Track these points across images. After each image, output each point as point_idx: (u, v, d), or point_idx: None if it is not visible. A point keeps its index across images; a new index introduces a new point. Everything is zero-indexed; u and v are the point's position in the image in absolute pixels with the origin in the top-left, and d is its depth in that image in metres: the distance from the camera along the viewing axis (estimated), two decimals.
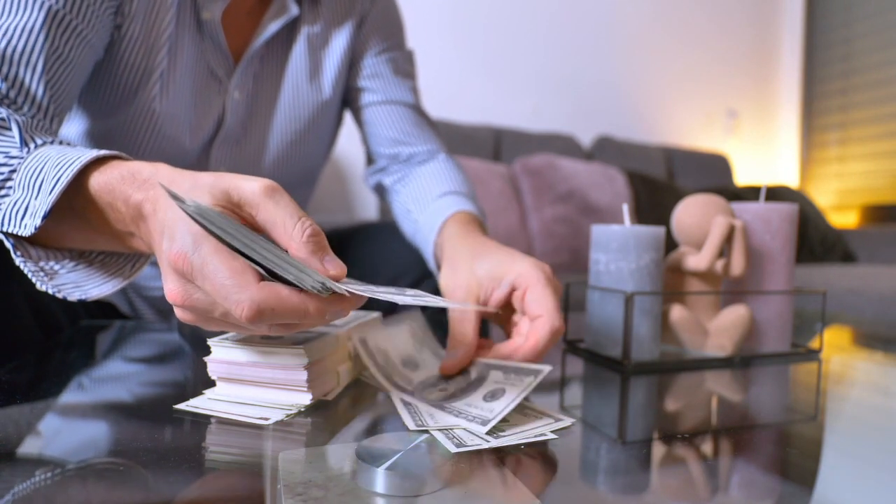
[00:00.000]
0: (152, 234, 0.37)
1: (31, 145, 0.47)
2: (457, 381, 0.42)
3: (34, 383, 0.46)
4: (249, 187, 0.35)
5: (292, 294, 0.32)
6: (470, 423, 0.35)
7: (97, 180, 0.42)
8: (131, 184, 0.40)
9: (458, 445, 0.32)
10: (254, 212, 0.35)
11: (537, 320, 0.46)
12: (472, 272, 0.51)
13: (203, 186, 0.35)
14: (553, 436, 0.35)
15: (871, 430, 0.42)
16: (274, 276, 0.33)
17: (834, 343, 0.76)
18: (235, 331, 0.37)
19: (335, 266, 0.34)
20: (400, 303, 0.33)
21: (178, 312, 0.36)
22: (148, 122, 0.67)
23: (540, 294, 0.46)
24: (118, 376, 0.50)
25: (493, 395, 0.38)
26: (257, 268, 0.32)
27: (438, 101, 2.09)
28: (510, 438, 0.34)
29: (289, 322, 0.33)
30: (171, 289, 0.34)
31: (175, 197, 0.30)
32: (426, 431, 0.35)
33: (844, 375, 0.60)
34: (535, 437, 0.35)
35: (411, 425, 0.36)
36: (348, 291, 0.32)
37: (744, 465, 0.34)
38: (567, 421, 0.37)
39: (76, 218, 0.45)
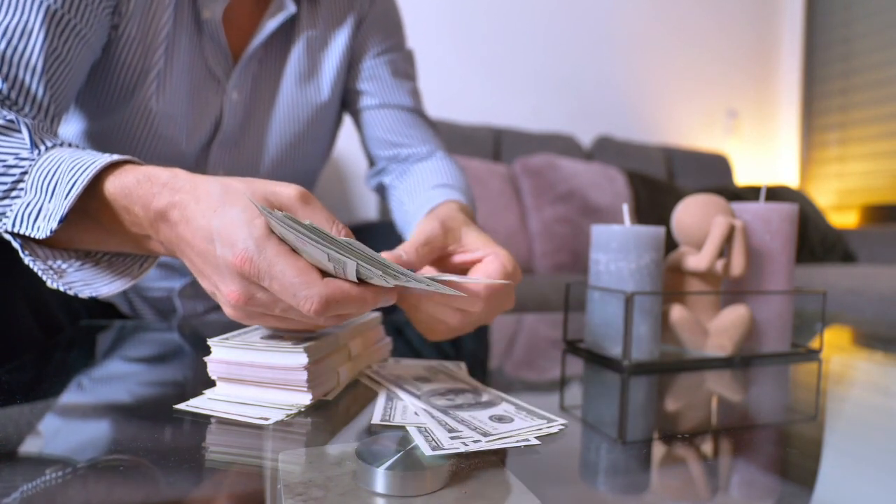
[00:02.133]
0: (187, 240, 0.39)
1: (42, 147, 0.47)
2: (465, 396, 0.42)
3: (34, 383, 0.46)
4: (286, 193, 0.38)
5: (353, 287, 0.35)
6: (472, 431, 0.34)
7: (113, 184, 0.42)
8: (149, 188, 0.41)
9: (434, 448, 0.31)
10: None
11: (485, 259, 0.46)
12: (458, 227, 0.50)
13: (238, 192, 0.37)
14: (536, 441, 0.34)
15: (871, 430, 0.42)
16: (333, 273, 0.36)
17: (834, 343, 0.76)
18: (286, 325, 0.39)
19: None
20: (434, 289, 0.35)
21: (229, 310, 0.38)
22: (145, 123, 0.67)
23: (493, 267, 0.46)
24: (118, 376, 0.50)
25: (499, 419, 0.37)
26: (316, 265, 0.35)
27: (438, 102, 2.09)
28: (491, 444, 0.33)
29: (351, 311, 0.36)
30: (234, 290, 0.36)
31: (261, 208, 0.34)
32: (390, 426, 0.35)
33: (844, 375, 0.60)
34: (517, 442, 0.33)
35: (376, 419, 0.36)
36: (410, 279, 0.35)
37: (744, 465, 0.34)
38: (555, 427, 0.36)
39: (89, 220, 0.45)
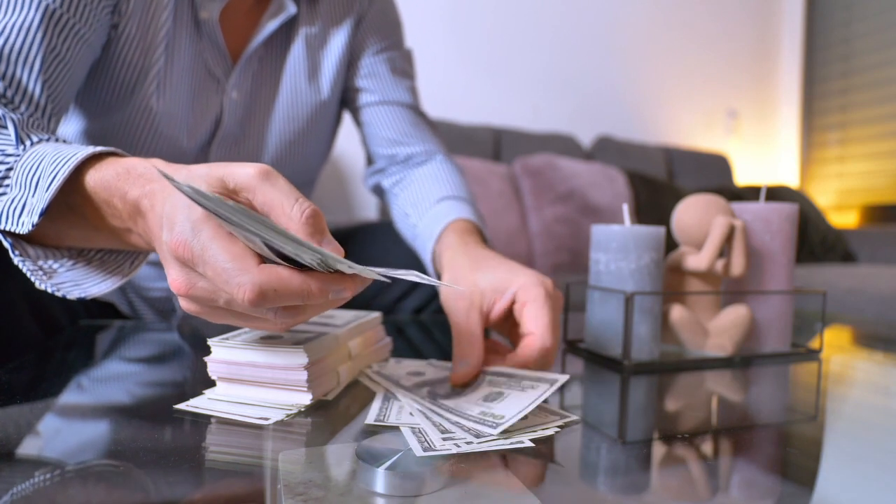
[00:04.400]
0: (152, 229, 0.37)
1: (27, 143, 0.47)
2: (446, 385, 0.42)
3: (34, 383, 0.46)
4: (244, 172, 0.34)
5: (293, 274, 0.31)
6: (478, 425, 0.34)
7: (93, 177, 0.42)
8: (127, 180, 0.40)
9: (426, 449, 0.31)
10: (251, 196, 0.34)
11: (528, 337, 0.46)
12: (474, 283, 0.51)
13: (198, 176, 0.35)
14: (530, 444, 0.33)
15: (871, 430, 0.42)
16: (275, 260, 0.32)
17: (834, 343, 0.76)
18: (240, 322, 0.36)
19: (333, 248, 0.33)
20: (396, 276, 0.32)
21: (183, 303, 0.35)
22: (145, 122, 0.67)
23: (537, 311, 0.46)
24: (118, 376, 0.50)
25: (491, 398, 0.37)
26: (257, 251, 0.32)
27: (438, 102, 2.09)
28: (483, 446, 0.32)
29: (292, 304, 0.32)
30: (175, 278, 0.34)
31: (171, 180, 0.30)
32: (385, 427, 0.35)
33: (844, 375, 0.60)
34: (511, 445, 0.33)
35: (370, 419, 0.36)
36: (349, 266, 0.32)
37: (744, 465, 0.34)
38: (551, 430, 0.36)
39: (73, 215, 0.45)
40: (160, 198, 0.36)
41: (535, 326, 0.46)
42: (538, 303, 0.47)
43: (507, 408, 0.36)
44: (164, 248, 0.34)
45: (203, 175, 0.35)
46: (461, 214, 0.70)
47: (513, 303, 0.49)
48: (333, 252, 0.32)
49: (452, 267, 0.56)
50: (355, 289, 0.34)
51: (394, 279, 0.34)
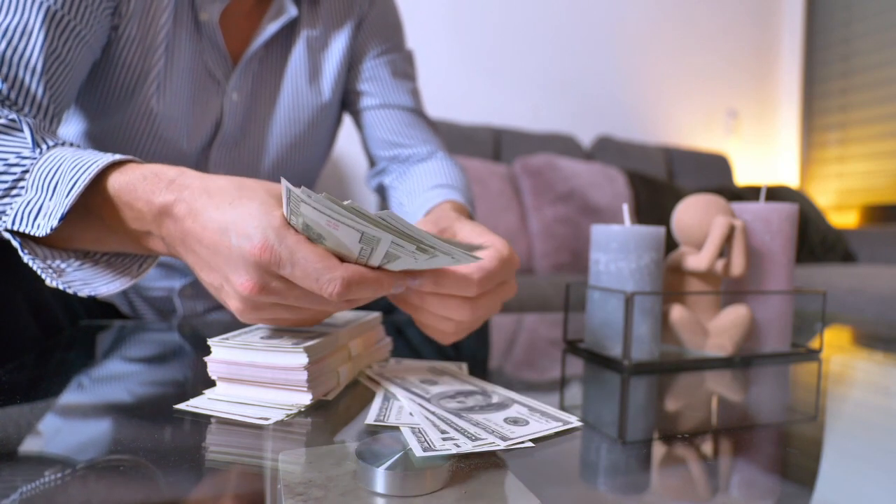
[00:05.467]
0: (194, 234, 0.39)
1: (43, 146, 0.47)
2: (475, 398, 0.42)
3: (34, 383, 0.46)
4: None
5: (370, 271, 0.38)
6: (489, 434, 0.34)
7: (118, 180, 0.43)
8: (156, 184, 0.41)
9: (426, 449, 0.31)
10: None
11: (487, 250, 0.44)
12: (451, 225, 0.50)
13: (253, 188, 0.38)
14: (531, 444, 0.33)
15: (871, 430, 0.42)
16: (351, 260, 0.38)
17: (834, 343, 0.76)
18: (291, 315, 0.40)
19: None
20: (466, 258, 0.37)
21: (237, 303, 0.38)
22: (145, 124, 0.67)
23: (489, 256, 0.44)
24: (118, 376, 0.50)
25: (515, 422, 0.37)
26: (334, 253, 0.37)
27: (439, 102, 2.09)
28: (484, 446, 0.32)
29: (366, 296, 0.38)
30: (248, 280, 0.37)
31: (292, 190, 0.34)
32: (385, 427, 0.35)
33: (844, 375, 0.60)
34: (511, 445, 0.33)
35: (370, 419, 0.36)
36: (447, 248, 0.36)
37: (744, 465, 0.34)
38: (551, 431, 0.36)
39: (90, 216, 0.45)
40: (209, 203, 0.39)
41: (490, 240, 0.45)
42: (496, 253, 0.44)
43: (524, 430, 0.36)
44: (234, 252, 0.37)
45: (257, 188, 0.39)
46: (452, 198, 0.70)
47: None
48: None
49: (438, 214, 0.54)
50: (406, 283, 0.40)
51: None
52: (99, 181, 0.43)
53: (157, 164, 0.44)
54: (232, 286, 0.38)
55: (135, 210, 0.42)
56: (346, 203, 0.34)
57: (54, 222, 0.42)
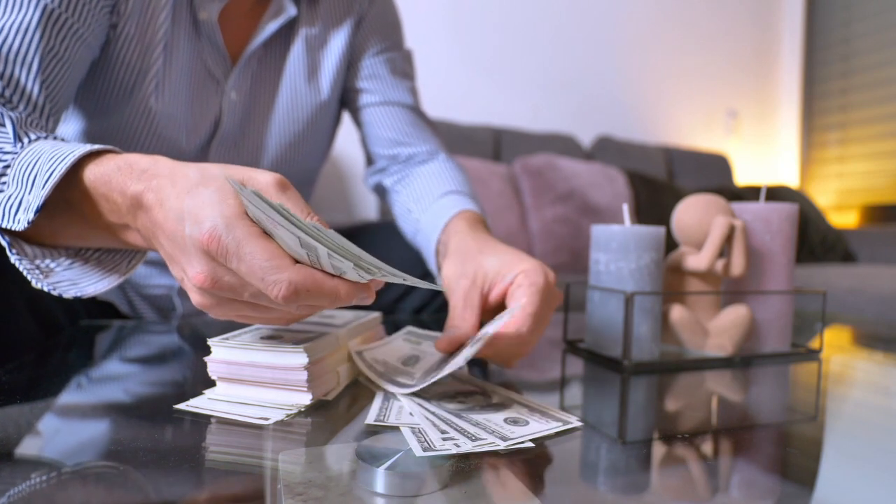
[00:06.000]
0: (160, 222, 0.37)
1: (25, 140, 0.46)
2: (476, 398, 0.42)
3: (34, 383, 0.46)
4: (262, 179, 0.36)
5: (326, 278, 0.33)
6: (489, 434, 0.34)
7: (93, 172, 0.42)
8: (129, 174, 0.40)
9: (426, 449, 0.31)
10: None
11: (508, 322, 0.46)
12: (479, 264, 0.50)
13: (214, 175, 0.36)
14: (530, 444, 0.33)
15: (871, 430, 0.42)
16: (306, 262, 0.34)
17: (834, 343, 0.76)
18: (254, 313, 0.37)
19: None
20: (418, 285, 0.34)
21: (196, 296, 0.36)
22: (144, 122, 0.67)
23: (527, 296, 0.46)
24: (118, 376, 0.50)
25: (515, 422, 0.37)
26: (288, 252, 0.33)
27: (439, 102, 2.09)
28: (484, 446, 0.32)
29: (319, 304, 0.34)
30: (200, 271, 0.34)
31: (232, 183, 0.33)
32: (385, 427, 0.35)
33: (844, 375, 0.60)
34: (512, 445, 0.33)
35: (370, 418, 0.36)
36: (385, 273, 0.33)
37: (744, 465, 0.34)
38: (551, 431, 0.36)
39: (71, 211, 0.44)
40: (171, 192, 0.36)
41: (520, 310, 0.45)
42: (532, 289, 0.46)
43: (524, 431, 0.36)
44: (187, 241, 0.34)
45: (219, 174, 0.36)
46: (466, 206, 0.70)
47: (506, 291, 0.48)
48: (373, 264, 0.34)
49: (460, 249, 0.55)
50: (373, 295, 0.36)
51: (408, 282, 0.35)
52: (76, 173, 0.42)
53: (135, 154, 0.42)
54: (188, 277, 0.36)
55: (111, 202, 0.41)
56: (275, 204, 0.31)
57: (31, 215, 0.42)
